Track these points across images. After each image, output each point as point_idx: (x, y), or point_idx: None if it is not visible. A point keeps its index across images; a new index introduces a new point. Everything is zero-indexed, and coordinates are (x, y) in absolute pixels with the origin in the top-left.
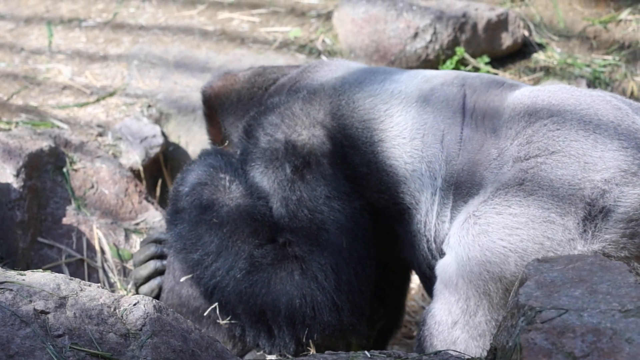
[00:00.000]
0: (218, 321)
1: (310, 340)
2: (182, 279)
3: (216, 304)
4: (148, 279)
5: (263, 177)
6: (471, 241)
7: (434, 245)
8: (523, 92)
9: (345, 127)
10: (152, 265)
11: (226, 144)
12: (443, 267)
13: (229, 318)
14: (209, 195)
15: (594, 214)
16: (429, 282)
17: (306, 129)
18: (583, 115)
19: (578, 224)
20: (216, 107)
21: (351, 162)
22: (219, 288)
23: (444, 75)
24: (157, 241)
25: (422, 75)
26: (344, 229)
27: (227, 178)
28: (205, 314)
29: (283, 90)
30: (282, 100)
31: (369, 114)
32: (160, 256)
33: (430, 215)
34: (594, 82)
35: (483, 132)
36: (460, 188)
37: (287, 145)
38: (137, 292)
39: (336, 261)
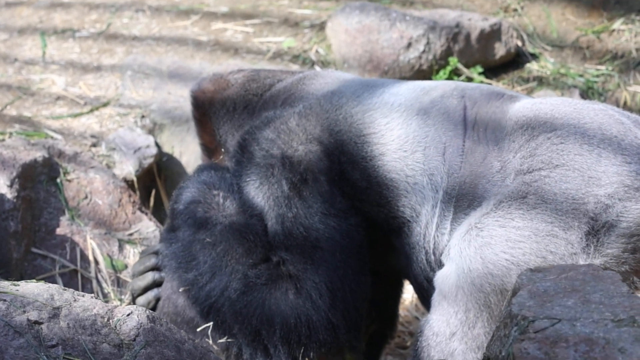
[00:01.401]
0: (208, 340)
1: (306, 359)
2: (181, 289)
3: (211, 323)
4: (145, 290)
5: (258, 193)
6: (473, 253)
7: (432, 257)
8: (525, 105)
9: (343, 142)
10: (150, 276)
11: (222, 155)
12: (442, 278)
13: (226, 337)
14: (202, 214)
15: (597, 228)
16: (425, 294)
17: (303, 144)
18: (587, 130)
19: (581, 238)
20: (210, 114)
21: (350, 178)
22: (215, 308)
23: (443, 86)
24: (157, 253)
25: (421, 88)
26: (338, 247)
27: (221, 194)
28: (201, 331)
29: (277, 101)
30: (277, 114)
31: (368, 129)
32: (160, 268)
33: (430, 227)
34: (587, 92)
35: (485, 144)
36: (461, 200)
37: (283, 161)
38: (134, 303)
39: (331, 279)
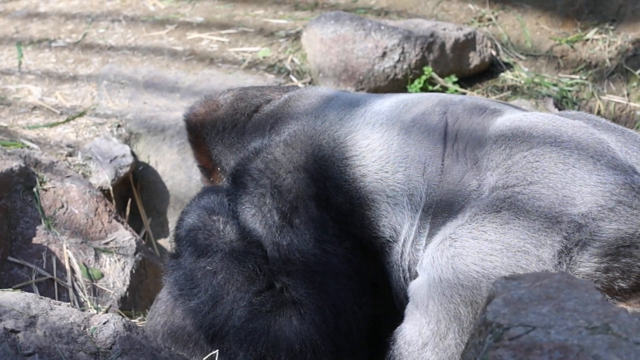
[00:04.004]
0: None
1: None
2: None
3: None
4: None
5: (255, 221)
6: (445, 263)
7: (408, 274)
8: (504, 123)
9: (328, 167)
10: None
11: (219, 175)
12: (414, 288)
13: None
14: (202, 241)
15: (570, 247)
16: (403, 312)
17: (290, 173)
18: (563, 149)
19: (553, 256)
20: (203, 136)
21: (335, 202)
22: (219, 336)
23: (426, 102)
24: None
25: (404, 104)
26: (337, 270)
27: (221, 220)
28: (194, 342)
29: (266, 126)
30: (264, 143)
31: (350, 151)
32: None
33: (406, 245)
34: (561, 101)
35: (464, 163)
36: (437, 217)
37: (272, 191)
38: None
39: (333, 303)
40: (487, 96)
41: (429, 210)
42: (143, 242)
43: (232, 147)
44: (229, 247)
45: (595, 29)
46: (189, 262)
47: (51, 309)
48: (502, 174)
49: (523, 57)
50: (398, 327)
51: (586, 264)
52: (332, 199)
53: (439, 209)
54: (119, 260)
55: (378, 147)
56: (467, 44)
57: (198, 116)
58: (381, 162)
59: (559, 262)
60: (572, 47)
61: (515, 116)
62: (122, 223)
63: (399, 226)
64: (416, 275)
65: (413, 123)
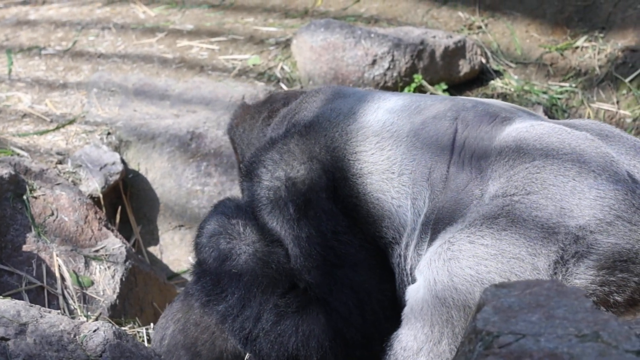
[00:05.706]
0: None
1: None
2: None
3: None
4: None
5: (272, 218)
6: (441, 265)
7: (410, 278)
8: (510, 134)
9: (338, 159)
10: None
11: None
12: (411, 292)
13: None
14: (225, 245)
15: (566, 258)
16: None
17: (304, 164)
18: (565, 162)
19: (549, 265)
20: (233, 137)
21: (341, 194)
22: (251, 339)
23: (439, 105)
24: None
25: (416, 106)
26: (356, 260)
27: (240, 223)
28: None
29: (283, 124)
30: (280, 135)
31: (360, 146)
32: None
33: (409, 249)
34: (550, 109)
35: (469, 172)
36: (439, 224)
37: (287, 183)
38: None
39: (356, 295)
40: None
41: (431, 216)
42: (133, 250)
43: (251, 145)
44: (252, 249)
45: (585, 37)
46: (213, 268)
47: (41, 317)
48: (503, 183)
49: (513, 65)
50: (395, 332)
51: (582, 276)
52: (339, 191)
53: (441, 216)
54: (109, 267)
55: (387, 145)
56: (457, 51)
57: (234, 119)
58: (389, 162)
59: (555, 272)
60: (561, 54)
61: (522, 126)
62: (112, 231)
63: (402, 228)
64: (415, 280)
65: (423, 126)
